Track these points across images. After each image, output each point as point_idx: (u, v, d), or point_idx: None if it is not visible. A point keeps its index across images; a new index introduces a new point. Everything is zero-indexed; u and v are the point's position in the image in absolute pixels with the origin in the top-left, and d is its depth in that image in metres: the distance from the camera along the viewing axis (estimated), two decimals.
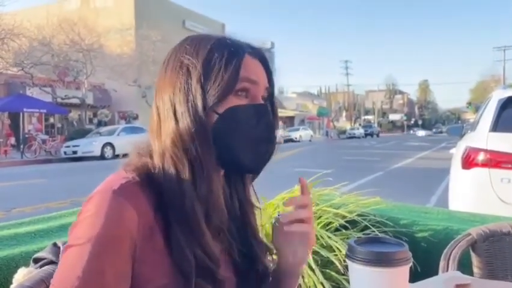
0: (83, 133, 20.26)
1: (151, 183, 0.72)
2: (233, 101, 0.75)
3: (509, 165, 3.23)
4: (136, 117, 27.35)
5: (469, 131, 4.34)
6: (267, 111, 0.79)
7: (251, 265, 0.84)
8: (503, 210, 2.92)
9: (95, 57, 23.10)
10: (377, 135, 50.89)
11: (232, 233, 0.83)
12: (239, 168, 0.78)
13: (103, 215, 0.66)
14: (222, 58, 0.75)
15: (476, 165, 3.35)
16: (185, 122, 0.74)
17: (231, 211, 0.83)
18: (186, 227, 0.71)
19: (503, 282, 1.34)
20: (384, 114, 78.88)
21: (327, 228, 1.94)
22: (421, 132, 60.54)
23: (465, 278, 1.12)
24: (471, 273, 1.37)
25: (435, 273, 1.32)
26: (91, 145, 17.91)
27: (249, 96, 0.78)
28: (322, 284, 1.72)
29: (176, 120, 0.74)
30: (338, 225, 1.95)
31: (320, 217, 1.96)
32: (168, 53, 0.81)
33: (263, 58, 0.82)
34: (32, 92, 22.22)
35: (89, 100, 25.27)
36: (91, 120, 27.38)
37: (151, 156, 0.76)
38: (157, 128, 0.77)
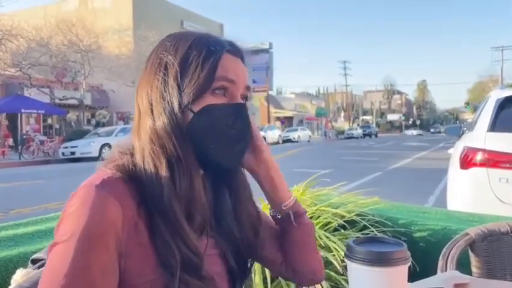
0: (81, 134, 20.20)
1: (132, 179, 0.72)
2: (210, 100, 0.75)
3: (507, 165, 3.23)
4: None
5: (467, 131, 4.34)
6: (243, 110, 0.79)
7: (238, 262, 0.85)
8: (501, 210, 2.93)
9: (93, 58, 23.05)
10: (375, 136, 50.89)
11: (218, 229, 0.83)
12: (214, 166, 0.78)
13: (87, 209, 0.65)
14: (199, 56, 0.75)
15: (474, 165, 3.36)
16: (161, 119, 0.73)
17: (218, 209, 0.83)
18: (168, 222, 0.71)
19: (502, 281, 1.34)
20: (382, 114, 78.96)
21: (326, 228, 1.94)
22: (411, 132, 60.57)
23: (464, 278, 1.12)
24: (469, 273, 1.37)
25: (434, 272, 1.32)
26: (89, 146, 17.86)
27: (227, 94, 0.77)
28: (321, 284, 1.72)
29: (153, 118, 0.74)
30: (336, 225, 1.95)
31: (319, 217, 1.96)
32: (151, 50, 0.80)
33: (244, 57, 0.81)
34: (30, 93, 22.17)
35: (87, 101, 25.22)
36: (89, 121, 27.35)
37: (132, 155, 0.75)
38: (137, 126, 0.77)
